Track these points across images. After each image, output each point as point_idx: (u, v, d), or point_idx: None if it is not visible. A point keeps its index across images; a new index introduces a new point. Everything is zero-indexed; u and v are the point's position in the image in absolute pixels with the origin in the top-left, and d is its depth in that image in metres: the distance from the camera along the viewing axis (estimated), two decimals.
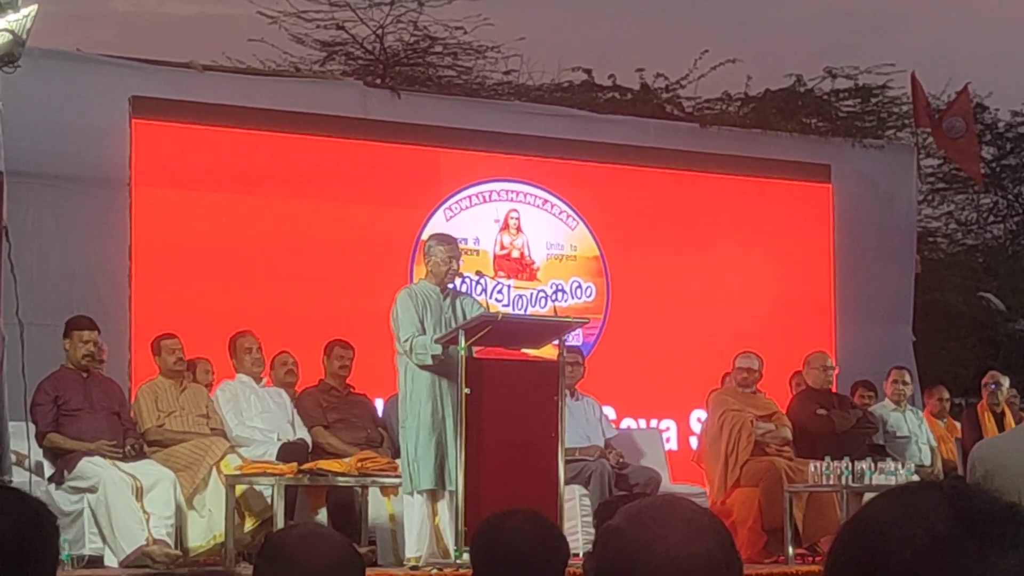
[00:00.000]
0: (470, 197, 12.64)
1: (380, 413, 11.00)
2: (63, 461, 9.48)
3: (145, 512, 9.24)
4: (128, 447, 9.60)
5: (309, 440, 10.32)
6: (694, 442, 12.58)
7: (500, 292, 12.49)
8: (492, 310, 10.25)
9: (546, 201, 12.92)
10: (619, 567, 2.21)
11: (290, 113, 12.03)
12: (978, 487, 1.78)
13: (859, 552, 1.75)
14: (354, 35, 14.96)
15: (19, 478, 8.93)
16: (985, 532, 1.69)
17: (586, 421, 11.11)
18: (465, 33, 15.11)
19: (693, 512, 2.26)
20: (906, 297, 14.65)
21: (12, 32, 8.31)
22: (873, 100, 15.94)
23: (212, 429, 10.08)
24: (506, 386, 9.17)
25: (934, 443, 12.54)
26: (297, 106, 12.11)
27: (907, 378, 12.74)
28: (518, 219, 12.79)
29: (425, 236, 11.17)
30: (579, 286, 12.97)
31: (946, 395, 13.27)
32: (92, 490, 9.31)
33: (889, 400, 12.56)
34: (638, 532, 2.21)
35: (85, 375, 9.78)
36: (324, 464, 9.70)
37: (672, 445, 12.85)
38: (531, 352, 9.80)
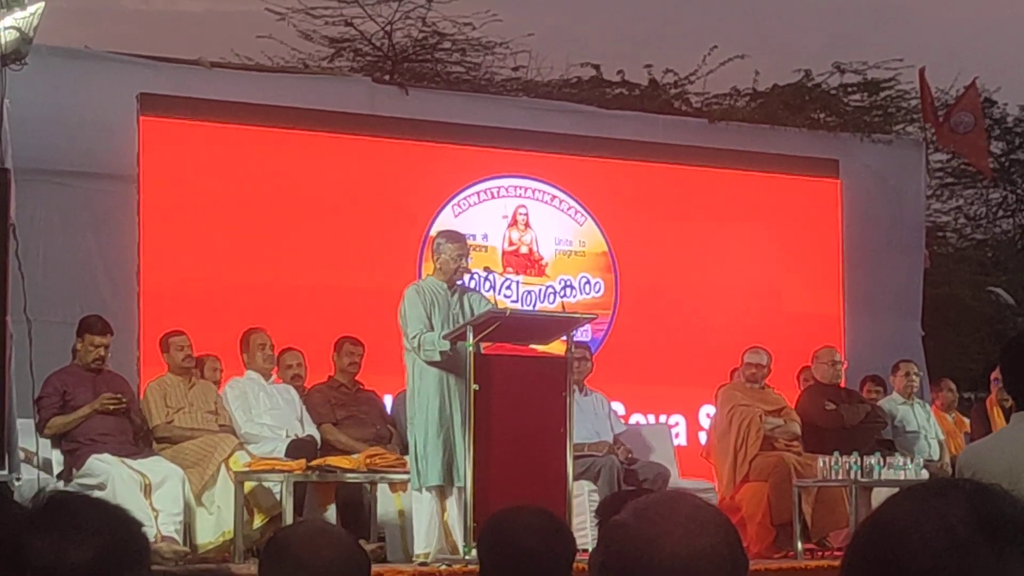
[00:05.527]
0: (478, 193, 12.63)
1: (389, 409, 11.00)
2: (71, 458, 9.49)
3: (154, 509, 9.24)
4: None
5: (318, 436, 10.31)
6: (703, 437, 12.58)
7: (508, 288, 12.49)
8: (500, 306, 10.24)
9: (554, 197, 12.91)
10: (624, 563, 2.21)
11: (298, 110, 12.03)
12: (1001, 489, 1.77)
13: (876, 552, 1.74)
14: (362, 31, 14.96)
15: (27, 475, 8.95)
16: (1004, 537, 1.68)
17: (595, 417, 11.10)
18: (473, 29, 15.10)
19: (698, 508, 2.26)
20: (915, 292, 14.62)
21: (19, 29, 8.33)
22: (881, 95, 15.89)
23: (221, 426, 10.08)
24: (514, 382, 9.16)
25: (942, 437, 12.52)
26: (305, 102, 12.11)
27: (916, 371, 12.71)
28: (526, 215, 12.78)
29: (433, 232, 11.16)
30: (587, 282, 12.96)
31: (952, 387, 13.23)
32: (100, 487, 9.30)
33: (898, 394, 12.53)
34: (643, 528, 2.21)
35: (95, 374, 9.78)
36: (333, 460, 9.70)
37: (681, 440, 12.84)
38: (539, 348, 9.78)
